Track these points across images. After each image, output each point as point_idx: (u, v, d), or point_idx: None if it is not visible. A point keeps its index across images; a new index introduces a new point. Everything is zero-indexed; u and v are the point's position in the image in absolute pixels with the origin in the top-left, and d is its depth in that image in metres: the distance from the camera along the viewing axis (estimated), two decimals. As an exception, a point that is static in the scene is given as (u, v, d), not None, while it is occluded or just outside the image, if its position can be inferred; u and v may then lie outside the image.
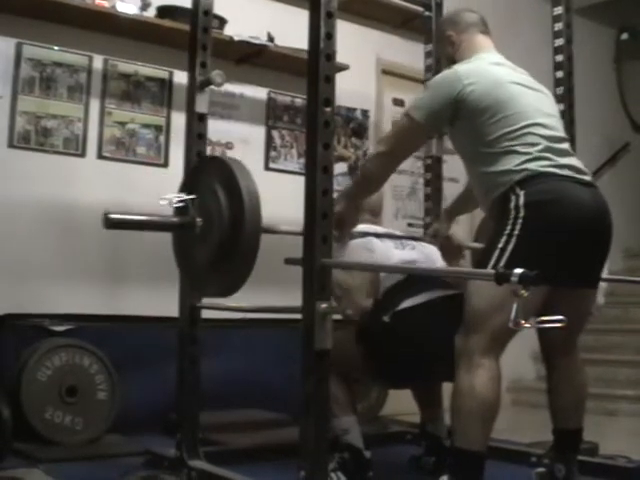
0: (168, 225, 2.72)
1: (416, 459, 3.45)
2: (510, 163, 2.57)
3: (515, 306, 1.70)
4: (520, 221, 2.47)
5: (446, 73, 2.80)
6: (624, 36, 7.14)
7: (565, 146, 2.70)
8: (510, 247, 2.46)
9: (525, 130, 2.61)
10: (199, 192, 2.63)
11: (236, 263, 2.47)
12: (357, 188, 3.00)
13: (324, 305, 2.21)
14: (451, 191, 4.84)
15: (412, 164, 5.30)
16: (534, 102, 2.72)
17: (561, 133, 2.74)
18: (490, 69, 2.76)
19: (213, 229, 2.53)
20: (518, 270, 1.67)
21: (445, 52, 3.08)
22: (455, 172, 5.57)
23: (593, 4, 6.10)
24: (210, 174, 2.63)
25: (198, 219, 2.59)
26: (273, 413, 4.15)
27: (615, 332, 6.00)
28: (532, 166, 2.54)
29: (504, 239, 2.48)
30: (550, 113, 2.76)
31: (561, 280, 2.49)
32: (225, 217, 2.48)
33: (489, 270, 1.79)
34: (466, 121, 2.69)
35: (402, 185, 5.42)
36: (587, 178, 2.65)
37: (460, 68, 2.77)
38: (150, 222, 2.73)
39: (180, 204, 2.64)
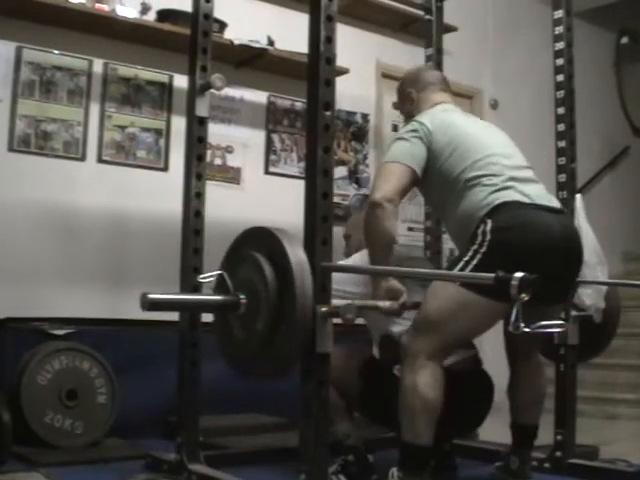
0: (209, 305, 2.58)
1: None
2: (477, 197, 2.70)
3: (515, 310, 1.71)
4: (487, 243, 2.60)
5: (413, 124, 2.89)
6: (624, 40, 7.14)
7: (528, 174, 2.82)
8: (474, 262, 2.59)
9: (487, 160, 2.75)
10: (242, 267, 2.42)
11: (287, 343, 2.25)
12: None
13: (324, 308, 2.21)
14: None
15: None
16: (489, 137, 2.88)
17: (522, 161, 2.87)
18: (442, 115, 2.91)
19: (260, 308, 2.30)
20: (518, 274, 1.67)
21: (404, 108, 3.22)
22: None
23: (593, 8, 6.10)
24: (254, 247, 2.41)
25: (242, 297, 2.37)
26: (273, 417, 4.14)
27: (615, 336, 5.97)
28: (498, 198, 2.66)
29: (470, 254, 2.62)
30: (506, 144, 2.91)
31: None
32: (272, 294, 2.25)
33: (489, 275, 1.78)
34: (430, 167, 2.82)
35: (402, 189, 5.42)
36: (553, 204, 2.78)
37: (422, 119, 2.89)
38: (190, 302, 2.72)
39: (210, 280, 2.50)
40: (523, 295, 1.65)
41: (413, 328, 2.70)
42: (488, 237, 2.59)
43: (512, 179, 2.71)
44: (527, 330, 1.72)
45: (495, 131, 2.98)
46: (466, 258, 2.61)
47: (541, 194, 2.76)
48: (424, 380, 2.59)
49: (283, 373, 2.34)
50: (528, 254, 2.54)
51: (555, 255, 2.63)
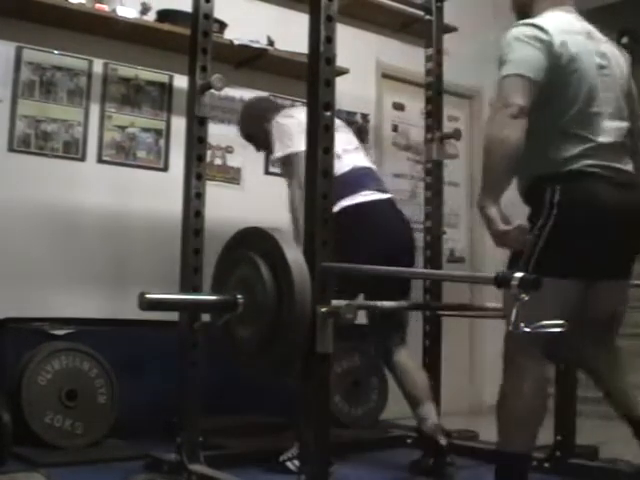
0: (207, 305, 2.60)
1: (416, 462, 3.47)
2: (559, 154, 2.57)
3: (515, 310, 1.70)
4: (552, 218, 2.52)
5: (535, 31, 2.57)
6: (624, 40, 7.11)
7: (619, 144, 2.64)
8: (541, 243, 2.51)
9: (588, 119, 2.58)
10: (240, 267, 2.44)
11: (286, 343, 2.26)
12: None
13: (324, 308, 2.20)
14: (451, 195, 4.86)
15: (412, 168, 5.32)
16: (608, 85, 2.64)
17: (622, 123, 2.68)
18: (574, 38, 2.60)
19: (258, 308, 2.32)
20: (518, 274, 1.67)
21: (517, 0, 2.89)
22: (456, 176, 5.59)
23: (593, 7, 6.08)
24: (250, 247, 2.43)
25: (239, 297, 2.39)
26: (272, 417, 4.14)
27: (619, 336, 5.96)
28: (576, 163, 2.55)
29: (535, 233, 2.52)
30: (618, 97, 2.68)
31: (586, 274, 2.57)
32: (270, 293, 2.27)
33: (489, 274, 1.78)
34: (543, 84, 2.55)
35: (402, 189, 5.41)
36: (625, 178, 2.63)
37: (548, 28, 2.56)
38: (188, 302, 2.77)
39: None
40: (523, 295, 1.64)
41: (506, 337, 2.59)
42: (555, 211, 2.52)
43: (599, 148, 2.57)
44: (527, 330, 1.71)
45: (615, 74, 2.69)
46: (532, 240, 2.51)
47: (619, 167, 2.62)
48: (527, 384, 2.49)
49: (283, 373, 2.39)
50: (594, 234, 2.51)
51: (619, 234, 2.58)
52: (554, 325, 1.75)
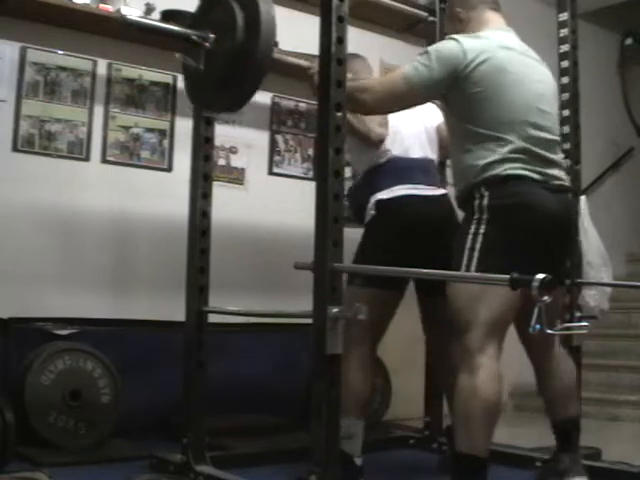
0: (181, 35, 3.00)
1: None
2: (483, 158, 2.63)
3: (536, 311, 1.69)
4: (484, 222, 2.58)
5: (451, 45, 2.73)
6: (628, 41, 7.12)
7: (547, 153, 2.71)
8: (478, 246, 2.56)
9: (511, 126, 2.64)
10: (216, 10, 2.83)
11: (244, 81, 2.68)
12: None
13: (335, 309, 2.20)
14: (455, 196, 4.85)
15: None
16: (532, 96, 2.72)
17: (551, 135, 2.76)
18: (496, 52, 2.72)
19: (225, 43, 2.72)
20: (539, 276, 1.65)
21: (453, 29, 3.00)
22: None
23: (597, 9, 6.07)
24: None
25: (210, 35, 2.83)
26: (278, 417, 4.14)
27: (618, 337, 5.99)
28: (501, 167, 2.60)
29: (470, 238, 2.59)
30: (546, 110, 2.76)
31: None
32: (239, 30, 2.65)
33: (504, 276, 1.77)
34: (460, 96, 2.70)
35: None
36: (556, 183, 2.70)
37: (466, 43, 2.71)
38: (163, 29, 3.21)
39: None
40: (546, 298, 1.62)
41: (455, 332, 2.61)
42: (485, 215, 2.58)
43: (525, 151, 2.63)
44: (550, 332, 1.69)
45: (543, 89, 2.79)
46: (468, 245, 2.58)
47: (548, 172, 2.68)
48: (482, 380, 2.47)
49: (238, 108, 2.87)
50: (526, 237, 2.55)
51: (550, 236, 2.63)
52: (577, 327, 1.75)
